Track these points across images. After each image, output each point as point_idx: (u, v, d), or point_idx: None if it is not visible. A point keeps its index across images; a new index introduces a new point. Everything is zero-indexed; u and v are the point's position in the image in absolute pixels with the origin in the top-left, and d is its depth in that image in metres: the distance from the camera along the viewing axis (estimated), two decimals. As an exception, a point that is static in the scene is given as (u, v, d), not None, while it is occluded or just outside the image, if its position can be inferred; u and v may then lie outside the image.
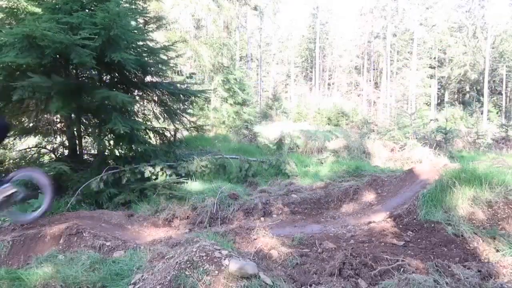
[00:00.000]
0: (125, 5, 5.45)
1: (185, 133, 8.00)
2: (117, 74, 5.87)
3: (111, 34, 4.71)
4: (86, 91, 5.01)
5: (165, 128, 6.48)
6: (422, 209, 3.78)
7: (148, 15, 6.19)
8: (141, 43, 5.79)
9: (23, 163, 5.71)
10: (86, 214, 4.22)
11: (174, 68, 7.25)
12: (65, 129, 5.79)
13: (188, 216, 4.51)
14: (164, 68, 6.17)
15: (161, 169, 5.48)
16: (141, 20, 6.14)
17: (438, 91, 37.72)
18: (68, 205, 4.66)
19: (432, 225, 3.56)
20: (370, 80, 41.14)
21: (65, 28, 4.51)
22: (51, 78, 4.50)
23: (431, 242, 3.32)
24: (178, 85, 6.39)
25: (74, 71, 5.47)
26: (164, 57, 6.26)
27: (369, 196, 5.15)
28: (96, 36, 4.62)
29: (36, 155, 5.97)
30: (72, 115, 5.48)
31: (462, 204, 3.68)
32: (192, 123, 7.06)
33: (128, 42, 5.32)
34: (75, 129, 5.66)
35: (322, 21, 41.47)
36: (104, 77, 5.89)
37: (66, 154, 5.95)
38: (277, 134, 10.29)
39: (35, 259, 3.03)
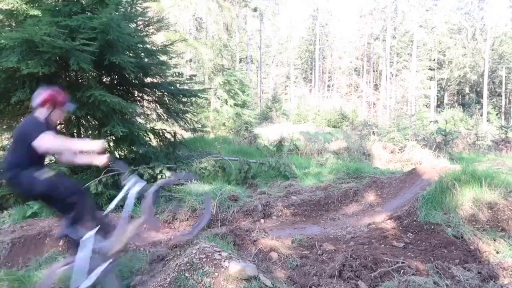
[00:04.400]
0: (122, 10, 5.43)
1: (185, 135, 7.98)
2: (116, 76, 5.87)
3: (108, 38, 4.72)
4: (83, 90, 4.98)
5: (165, 129, 6.48)
6: (422, 210, 3.77)
7: (147, 17, 6.18)
8: (140, 45, 5.80)
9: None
10: (85, 216, 4.20)
11: (175, 69, 7.24)
12: (64, 130, 5.78)
13: (187, 218, 4.51)
14: (164, 68, 6.17)
15: (160, 171, 5.47)
16: (140, 23, 6.14)
17: (437, 93, 37.77)
18: (68, 206, 4.64)
19: (432, 226, 3.55)
20: (369, 82, 41.20)
21: (64, 32, 4.51)
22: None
23: (431, 243, 3.31)
24: (178, 85, 6.39)
25: (74, 73, 5.47)
26: (164, 58, 6.26)
27: (369, 198, 5.15)
28: (94, 41, 4.62)
29: (36, 156, 5.94)
30: (72, 117, 5.48)
31: (462, 205, 3.68)
32: (195, 122, 7.05)
33: (126, 45, 5.31)
34: (74, 131, 5.66)
35: (322, 23, 41.55)
36: (104, 79, 5.89)
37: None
38: (277, 135, 10.28)
39: (34, 261, 3.02)
